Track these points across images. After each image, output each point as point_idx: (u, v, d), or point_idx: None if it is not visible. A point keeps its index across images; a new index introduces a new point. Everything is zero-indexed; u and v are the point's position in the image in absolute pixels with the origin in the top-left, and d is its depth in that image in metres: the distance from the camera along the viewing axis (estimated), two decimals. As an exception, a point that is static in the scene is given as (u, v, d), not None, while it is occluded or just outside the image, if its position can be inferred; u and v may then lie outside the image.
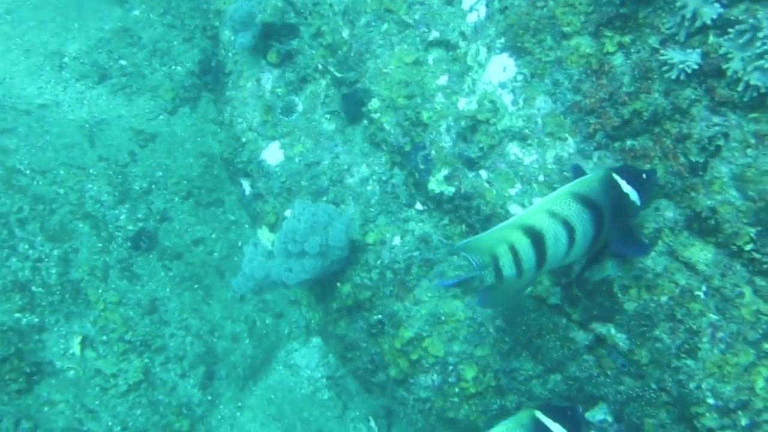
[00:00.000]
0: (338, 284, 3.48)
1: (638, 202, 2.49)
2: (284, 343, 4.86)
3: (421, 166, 3.26)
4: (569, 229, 2.36)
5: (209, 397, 4.41)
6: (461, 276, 2.54)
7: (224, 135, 4.17)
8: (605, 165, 2.78)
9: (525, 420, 2.43)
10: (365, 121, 3.55)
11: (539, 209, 2.38)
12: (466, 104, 3.14)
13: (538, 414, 2.47)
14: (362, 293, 3.39)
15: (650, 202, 2.69)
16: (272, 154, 3.84)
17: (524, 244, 2.35)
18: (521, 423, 2.42)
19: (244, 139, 3.95)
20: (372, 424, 4.46)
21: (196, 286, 4.69)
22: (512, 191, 3.02)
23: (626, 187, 2.46)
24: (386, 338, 3.37)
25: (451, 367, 3.24)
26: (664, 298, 2.77)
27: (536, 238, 2.35)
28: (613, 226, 2.47)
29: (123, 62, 5.49)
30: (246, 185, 4.00)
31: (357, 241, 3.44)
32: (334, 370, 4.62)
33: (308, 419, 4.48)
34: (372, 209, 3.49)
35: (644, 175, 2.51)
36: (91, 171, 4.62)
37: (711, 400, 2.70)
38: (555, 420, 2.47)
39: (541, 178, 2.95)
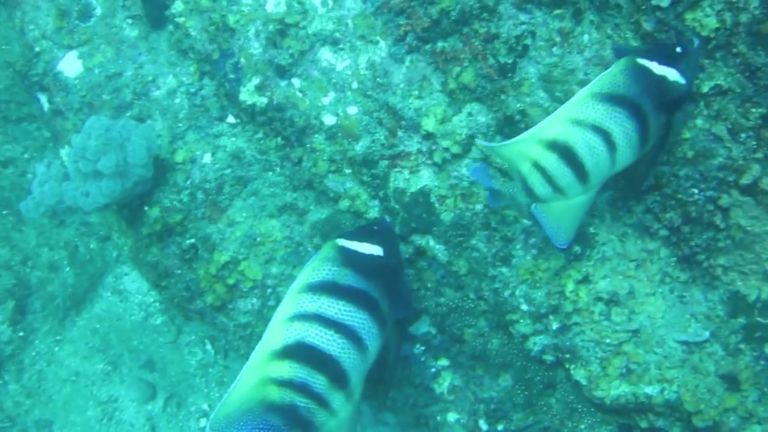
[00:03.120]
0: (146, 208, 3.41)
1: (682, 81, 2.25)
2: (112, 267, 4.74)
3: (231, 76, 3.20)
4: (603, 133, 2.21)
5: (21, 334, 4.30)
6: (491, 185, 2.41)
7: (17, 44, 3.96)
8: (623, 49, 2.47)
9: (330, 253, 2.30)
10: (170, 27, 3.43)
11: (559, 118, 2.21)
12: (274, 6, 3.07)
13: (341, 242, 2.35)
14: (172, 217, 3.34)
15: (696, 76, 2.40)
16: (70, 65, 3.67)
17: (551, 161, 2.26)
18: (327, 257, 2.28)
19: (37, 49, 3.74)
20: (208, 347, 4.47)
21: (5, 211, 4.50)
22: (326, 100, 3.01)
23: (659, 69, 2.23)
24: (201, 263, 3.35)
25: (270, 290, 3.26)
26: (479, 207, 2.87)
27: (564, 151, 2.23)
28: (663, 116, 2.29)
29: None
30: (44, 100, 3.82)
31: (165, 160, 3.37)
32: (168, 294, 4.58)
33: (138, 348, 4.43)
34: (180, 124, 3.41)
35: (679, 48, 2.24)
36: None
37: (524, 307, 2.85)
38: (362, 241, 2.38)
39: (354, 85, 2.96)
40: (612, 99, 2.21)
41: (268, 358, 2.12)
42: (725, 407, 2.67)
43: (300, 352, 2.12)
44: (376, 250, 2.39)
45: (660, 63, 2.24)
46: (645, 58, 2.25)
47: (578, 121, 2.22)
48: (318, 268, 2.26)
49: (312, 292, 2.21)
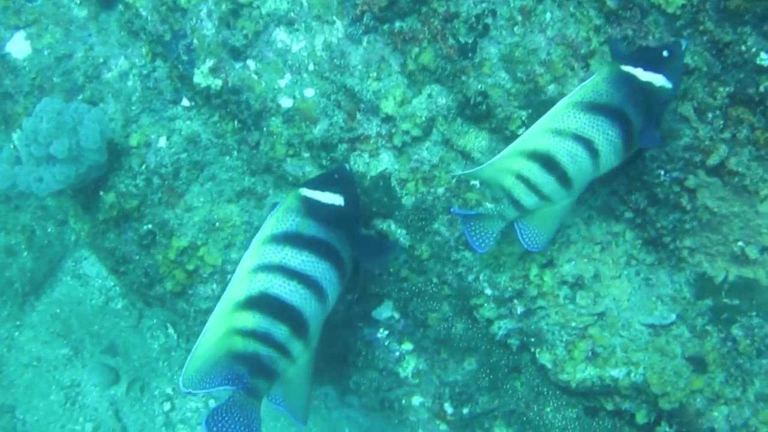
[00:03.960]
0: (101, 193, 3.20)
1: (669, 85, 2.13)
2: (71, 251, 4.51)
3: (184, 57, 2.99)
4: (585, 141, 2.14)
5: (-21, 320, 4.09)
6: (475, 211, 2.40)
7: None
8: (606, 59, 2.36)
9: (293, 203, 2.29)
10: (120, 6, 3.20)
11: (538, 130, 2.16)
12: (226, -16, 2.86)
13: (304, 191, 2.33)
14: (129, 202, 3.13)
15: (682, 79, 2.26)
16: (18, 47, 3.41)
17: (534, 170, 2.20)
18: (290, 208, 2.28)
19: (-17, 30, 3.50)
20: (171, 331, 4.28)
21: (-43, 195, 4.25)
22: (282, 82, 2.81)
23: (645, 75, 2.13)
24: (159, 249, 3.15)
25: (230, 275, 3.07)
26: (441, 190, 2.70)
27: (546, 160, 2.18)
28: (650, 122, 2.17)
29: None
30: (-8, 83, 3.58)
31: (119, 144, 3.16)
32: (129, 277, 4.35)
33: (99, 332, 4.23)
34: (134, 107, 3.19)
35: (665, 52, 2.13)
36: None
37: (488, 291, 2.72)
38: (324, 190, 2.36)
39: (311, 66, 2.76)
40: (594, 108, 2.13)
41: (233, 308, 2.14)
42: (692, 389, 2.56)
43: (263, 303, 2.15)
44: (337, 199, 2.35)
45: (645, 69, 2.14)
46: (630, 65, 2.15)
47: (559, 131, 2.15)
48: (282, 218, 2.25)
49: (276, 242, 2.21)
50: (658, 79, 2.13)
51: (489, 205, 2.58)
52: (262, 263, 2.18)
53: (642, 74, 2.13)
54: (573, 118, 2.14)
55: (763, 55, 2.11)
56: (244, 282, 2.16)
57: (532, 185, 2.22)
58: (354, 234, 2.41)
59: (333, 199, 2.34)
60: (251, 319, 2.13)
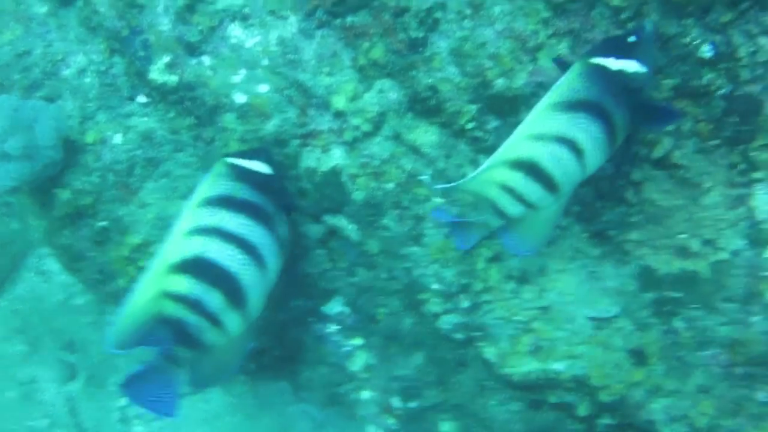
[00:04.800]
0: (57, 190, 2.97)
1: (643, 70, 1.95)
2: (35, 248, 4.24)
3: (141, 53, 2.79)
4: (568, 143, 1.93)
5: (-61, 317, 3.81)
6: (460, 217, 2.22)
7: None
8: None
9: (222, 170, 2.12)
10: (80, 2, 2.99)
11: (518, 138, 1.93)
12: (182, -19, 2.67)
13: (231, 160, 2.16)
14: (83, 199, 2.91)
15: (656, 61, 2.09)
16: (-21, 45, 3.20)
17: (518, 179, 1.97)
18: (220, 173, 2.11)
19: (-55, 28, 3.26)
20: (132, 325, 4.03)
21: None
22: (237, 78, 2.62)
23: (617, 64, 1.94)
24: (113, 246, 2.93)
25: (182, 271, 2.87)
26: (391, 185, 2.53)
27: (530, 167, 1.95)
28: (631, 110, 1.98)
29: None
30: (-46, 81, 3.34)
31: (75, 141, 2.94)
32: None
33: (59, 329, 3.96)
34: (91, 104, 2.97)
35: (632, 37, 1.95)
36: None
37: (435, 286, 2.54)
38: (250, 159, 2.21)
39: (265, 62, 2.58)
40: (572, 106, 1.92)
41: (166, 271, 1.93)
42: (632, 381, 2.42)
43: (198, 268, 1.93)
44: (264, 167, 2.21)
45: (617, 57, 1.94)
46: (599, 56, 1.96)
47: (540, 136, 1.93)
48: (213, 183, 2.07)
49: (210, 205, 2.02)
50: (631, 65, 1.93)
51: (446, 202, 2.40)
52: (197, 226, 1.98)
53: (614, 63, 1.94)
54: (552, 120, 1.92)
55: (705, 47, 1.98)
56: (178, 244, 1.95)
57: (517, 195, 2.01)
58: (286, 201, 2.30)
59: (259, 167, 2.19)
60: (184, 285, 1.92)
